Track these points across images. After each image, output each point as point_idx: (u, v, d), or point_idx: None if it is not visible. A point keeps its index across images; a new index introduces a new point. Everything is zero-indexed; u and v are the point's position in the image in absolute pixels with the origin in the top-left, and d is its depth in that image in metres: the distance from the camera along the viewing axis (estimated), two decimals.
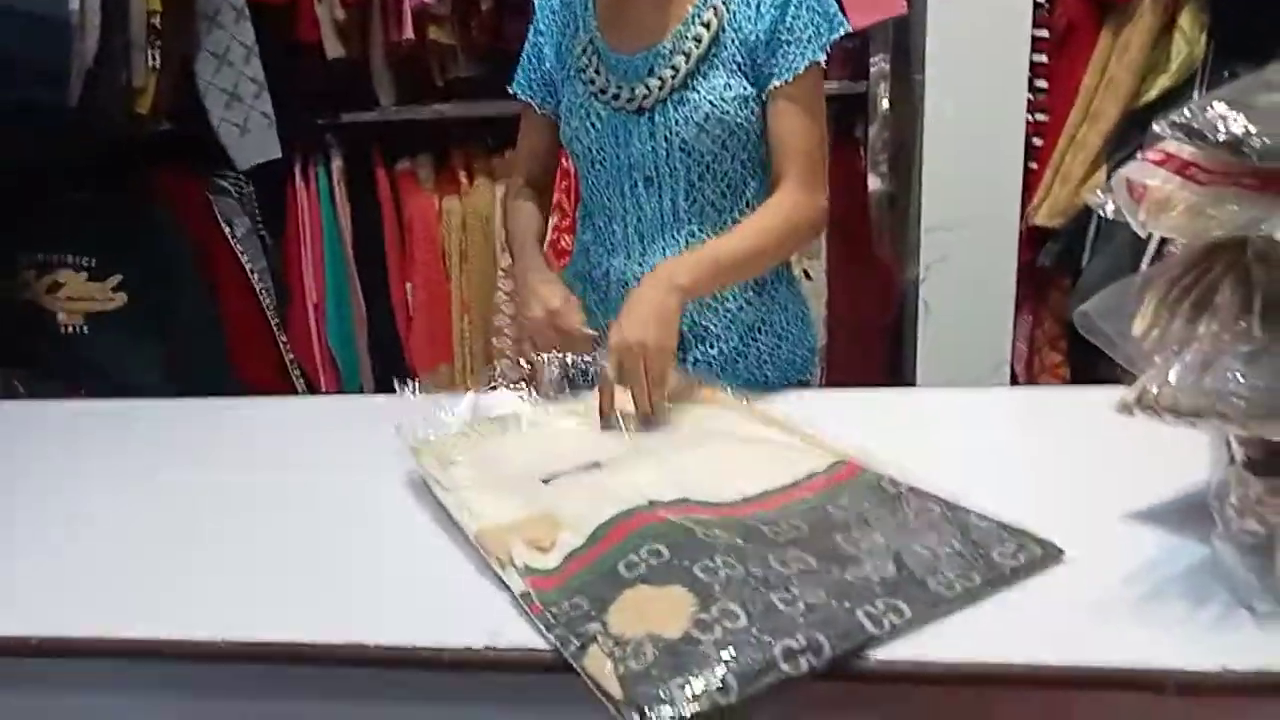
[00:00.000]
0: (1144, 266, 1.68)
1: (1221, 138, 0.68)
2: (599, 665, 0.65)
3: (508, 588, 0.74)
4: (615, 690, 0.63)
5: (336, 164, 2.21)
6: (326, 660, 0.68)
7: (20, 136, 1.75)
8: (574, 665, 0.66)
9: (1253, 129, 0.67)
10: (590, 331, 1.16)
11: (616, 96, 1.20)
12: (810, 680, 0.64)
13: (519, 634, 0.68)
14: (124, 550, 0.86)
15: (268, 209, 2.23)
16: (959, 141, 1.90)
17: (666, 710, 0.61)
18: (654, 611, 0.69)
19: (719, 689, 0.62)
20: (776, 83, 1.16)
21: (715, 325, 1.25)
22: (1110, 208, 0.77)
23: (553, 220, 2.00)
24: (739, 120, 1.18)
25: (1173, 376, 0.71)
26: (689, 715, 0.61)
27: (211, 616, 0.72)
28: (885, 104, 2.05)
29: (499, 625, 0.69)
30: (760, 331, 1.27)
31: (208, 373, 2.08)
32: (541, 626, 0.69)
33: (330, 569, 0.81)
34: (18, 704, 0.78)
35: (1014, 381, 2.04)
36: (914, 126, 1.96)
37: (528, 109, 1.32)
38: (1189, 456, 0.82)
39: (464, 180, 2.25)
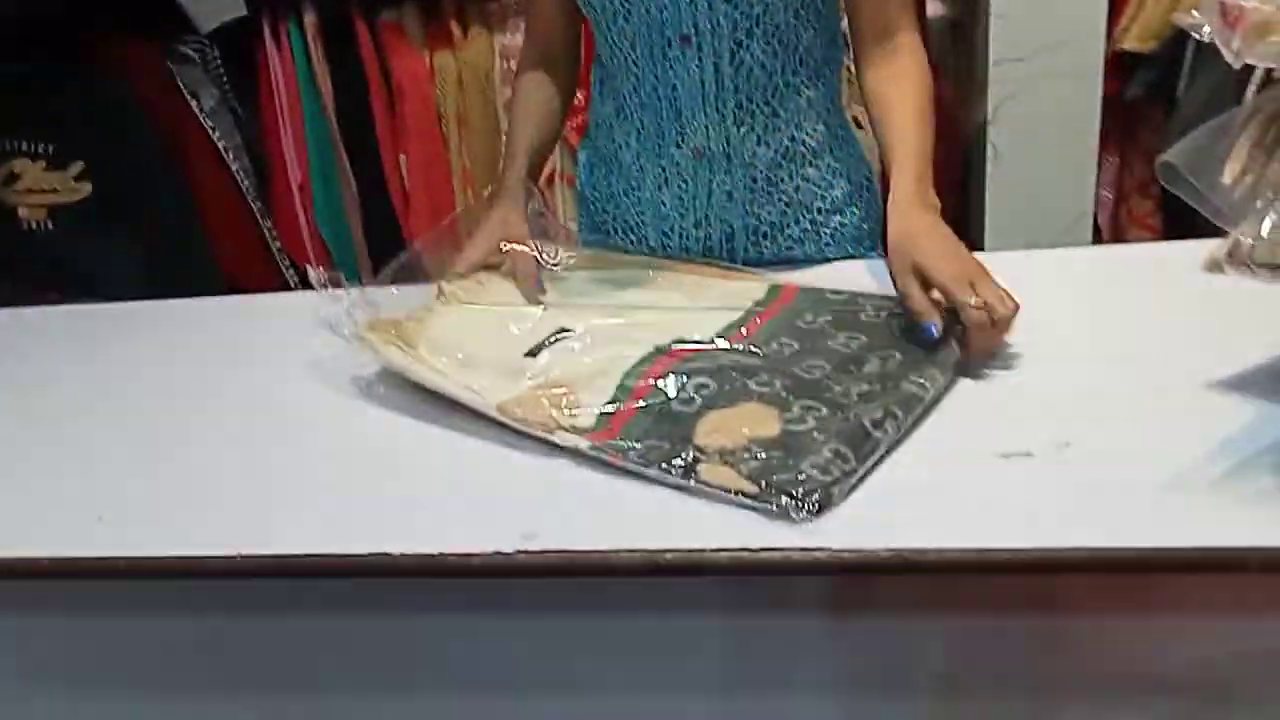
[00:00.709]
0: (1248, 98, 1.64)
1: None
2: (719, 474, 0.79)
3: (530, 483, 0.79)
4: (749, 487, 0.77)
5: (311, 20, 2.17)
6: (352, 572, 0.73)
7: None
8: (692, 483, 0.78)
9: None
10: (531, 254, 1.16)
11: None
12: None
13: (553, 536, 0.73)
14: (120, 464, 0.91)
15: (237, 77, 2.22)
16: None
17: (813, 485, 0.75)
18: (741, 425, 0.84)
19: (839, 460, 0.78)
20: None
21: (770, 213, 1.22)
22: (1207, 30, 0.77)
23: None
24: None
25: (1266, 227, 0.72)
26: (830, 484, 0.75)
27: (222, 531, 0.77)
28: None
29: (531, 528, 0.74)
30: (822, 213, 1.23)
31: (188, 266, 2.12)
32: (637, 466, 0.80)
33: (335, 477, 0.85)
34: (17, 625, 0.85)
35: (1098, 236, 2.02)
36: None
37: None
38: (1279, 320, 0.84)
39: (457, 32, 2.21)
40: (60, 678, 0.89)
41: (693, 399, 0.89)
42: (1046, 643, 0.79)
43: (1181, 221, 2.03)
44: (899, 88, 1.13)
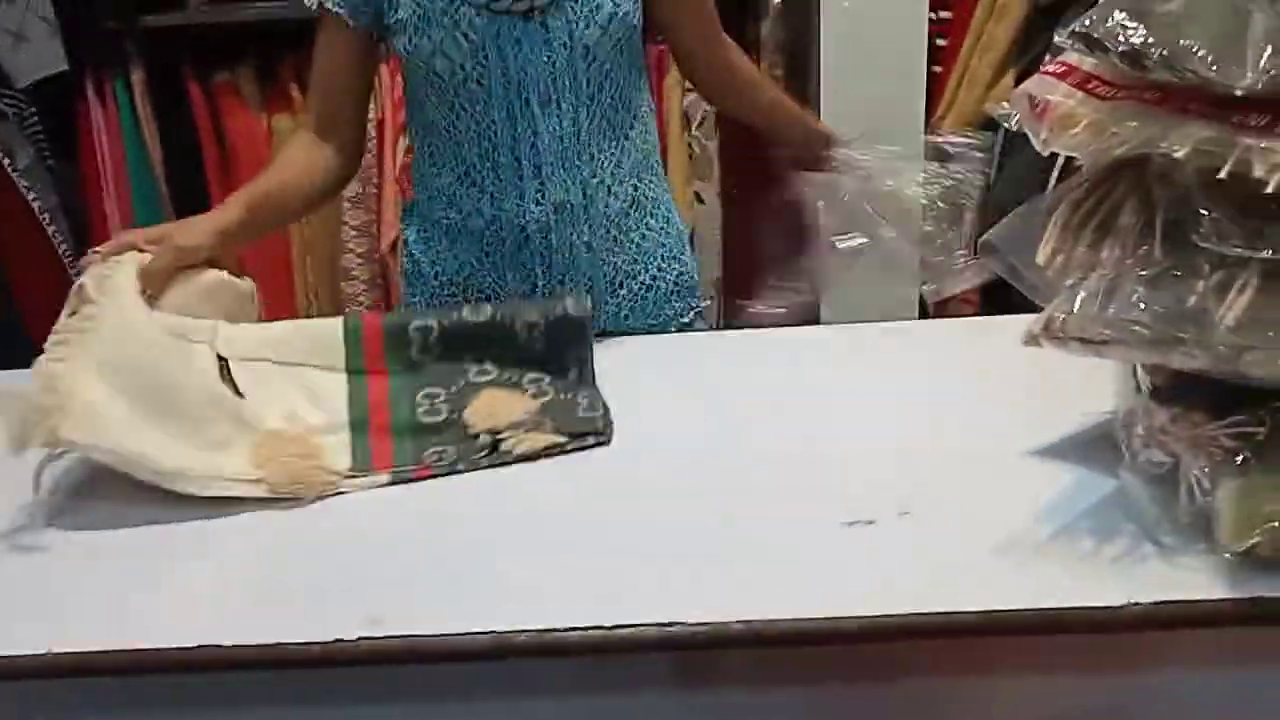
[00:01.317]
0: (1050, 186, 1.77)
1: (1121, 48, 0.73)
2: (529, 442, 0.93)
3: (373, 565, 0.76)
4: (560, 439, 0.94)
5: (138, 76, 2.09)
6: (180, 667, 0.68)
7: None
8: (510, 459, 0.91)
9: (1151, 39, 0.72)
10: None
11: None
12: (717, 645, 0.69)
13: (399, 620, 0.70)
14: None
15: (55, 134, 2.10)
16: (858, 43, 1.95)
17: (599, 418, 0.97)
18: (500, 409, 0.97)
19: (590, 400, 1.00)
20: None
21: (623, 261, 1.24)
22: (1016, 119, 0.83)
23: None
24: (634, 19, 1.15)
25: (1077, 304, 0.77)
26: (605, 413, 0.98)
27: (37, 626, 0.71)
28: None
29: (376, 612, 0.71)
30: (665, 260, 1.28)
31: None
32: (447, 470, 0.90)
33: (160, 564, 0.80)
34: None
35: (923, 313, 2.13)
36: (809, 25, 2.00)
37: (328, 21, 1.14)
38: (1098, 389, 0.89)
39: (296, 94, 2.16)
40: None
41: (436, 408, 0.98)
42: (899, 706, 0.81)
43: (999, 299, 2.16)
44: (745, 65, 1.34)
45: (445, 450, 0.94)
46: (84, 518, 0.86)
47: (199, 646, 0.68)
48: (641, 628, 0.70)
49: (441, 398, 0.99)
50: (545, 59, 1.12)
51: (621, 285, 1.26)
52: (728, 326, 2.07)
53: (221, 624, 0.70)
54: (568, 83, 1.14)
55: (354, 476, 0.90)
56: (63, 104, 2.08)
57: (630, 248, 1.25)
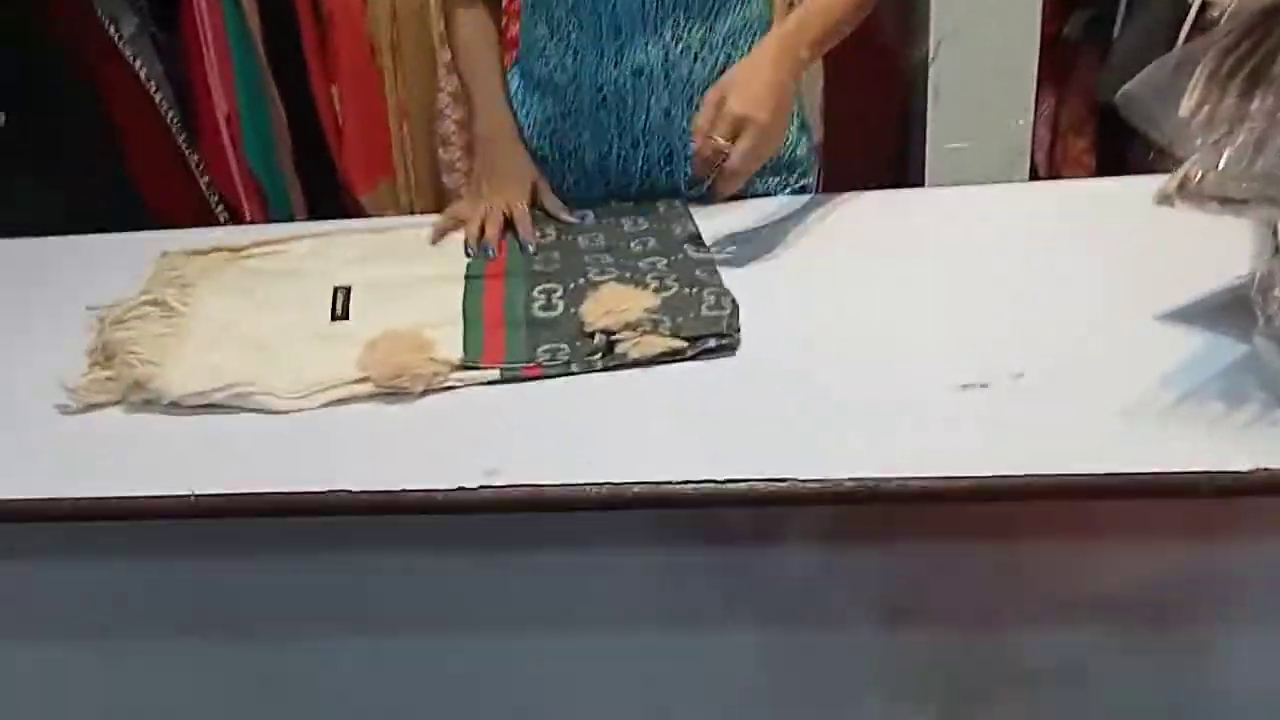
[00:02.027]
0: (1182, 37, 1.66)
1: None
2: (646, 345, 0.86)
3: (491, 422, 0.78)
4: (679, 344, 0.86)
5: None
6: (312, 510, 0.72)
7: None
8: (625, 362, 0.85)
9: None
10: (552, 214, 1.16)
11: None
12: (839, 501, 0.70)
13: (517, 471, 0.72)
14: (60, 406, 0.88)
15: (157, 3, 2.11)
16: None
17: (720, 319, 0.88)
18: (619, 305, 0.91)
19: (716, 295, 0.93)
20: None
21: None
22: None
23: None
24: None
25: (1222, 160, 0.73)
26: (731, 314, 0.90)
27: (177, 471, 0.75)
28: None
29: (494, 464, 0.73)
30: None
31: (112, 202, 2.03)
32: (559, 371, 0.85)
33: (297, 417, 0.83)
34: None
35: (1034, 174, 2.05)
36: None
37: None
38: (1227, 252, 0.85)
39: None
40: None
41: (552, 304, 0.96)
42: (999, 570, 0.81)
43: (1114, 160, 2.06)
44: None
45: (559, 349, 0.89)
46: None
47: (329, 491, 0.71)
48: (752, 482, 0.71)
49: (558, 293, 0.98)
50: None
51: (689, 161, 1.23)
52: (828, 191, 2.02)
53: (349, 472, 0.73)
54: None
55: (464, 369, 0.86)
56: None
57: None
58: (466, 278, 1.03)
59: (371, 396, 0.84)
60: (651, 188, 1.26)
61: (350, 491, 0.71)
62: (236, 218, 2.22)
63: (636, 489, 0.70)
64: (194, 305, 0.99)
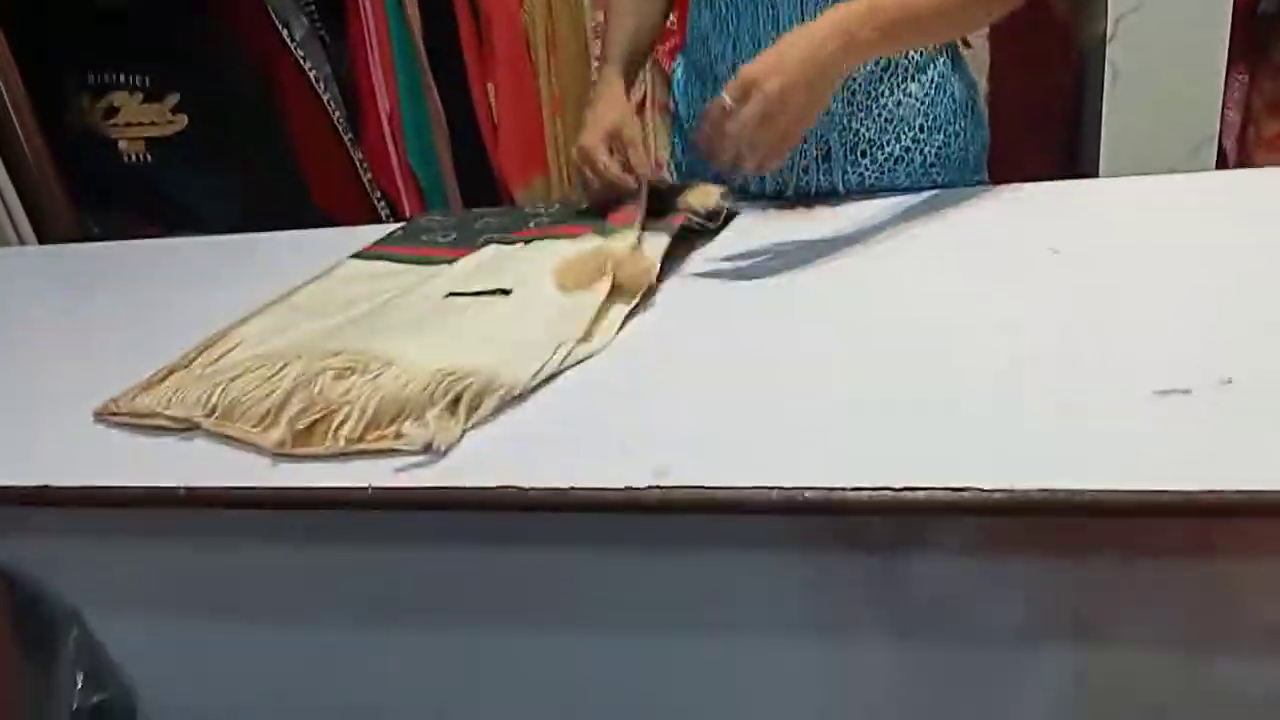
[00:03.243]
0: None
1: None
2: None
3: (660, 419, 0.78)
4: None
5: None
6: (482, 505, 0.73)
7: None
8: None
9: None
10: (638, 174, 1.16)
11: None
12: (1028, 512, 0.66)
13: (686, 471, 0.71)
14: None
15: (325, 5, 2.21)
16: None
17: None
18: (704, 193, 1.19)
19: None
20: None
21: (869, 129, 1.19)
22: None
23: None
24: None
25: None
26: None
27: (351, 464, 0.77)
28: None
29: (663, 463, 0.72)
30: (925, 130, 1.20)
31: (282, 198, 2.14)
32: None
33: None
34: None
35: (1223, 161, 1.92)
36: None
37: None
38: None
39: None
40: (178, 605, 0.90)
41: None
42: (1200, 590, 0.75)
43: None
44: None
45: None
46: None
47: (499, 487, 0.72)
48: (933, 491, 0.68)
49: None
50: None
51: (864, 154, 1.20)
52: (995, 181, 1.95)
53: (519, 467, 0.74)
54: None
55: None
56: None
57: (879, 114, 1.19)
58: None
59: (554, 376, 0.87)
60: (807, 185, 1.24)
61: (519, 488, 0.72)
62: (396, 213, 2.30)
63: (809, 494, 0.68)
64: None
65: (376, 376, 0.84)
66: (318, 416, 0.79)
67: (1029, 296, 0.92)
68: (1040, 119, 2.07)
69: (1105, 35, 1.83)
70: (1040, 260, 0.99)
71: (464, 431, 0.79)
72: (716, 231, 1.18)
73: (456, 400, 0.80)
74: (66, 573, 0.89)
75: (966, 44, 1.99)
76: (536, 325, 0.93)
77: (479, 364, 0.84)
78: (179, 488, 0.77)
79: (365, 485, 0.74)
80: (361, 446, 0.77)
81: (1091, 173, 1.92)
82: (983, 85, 2.02)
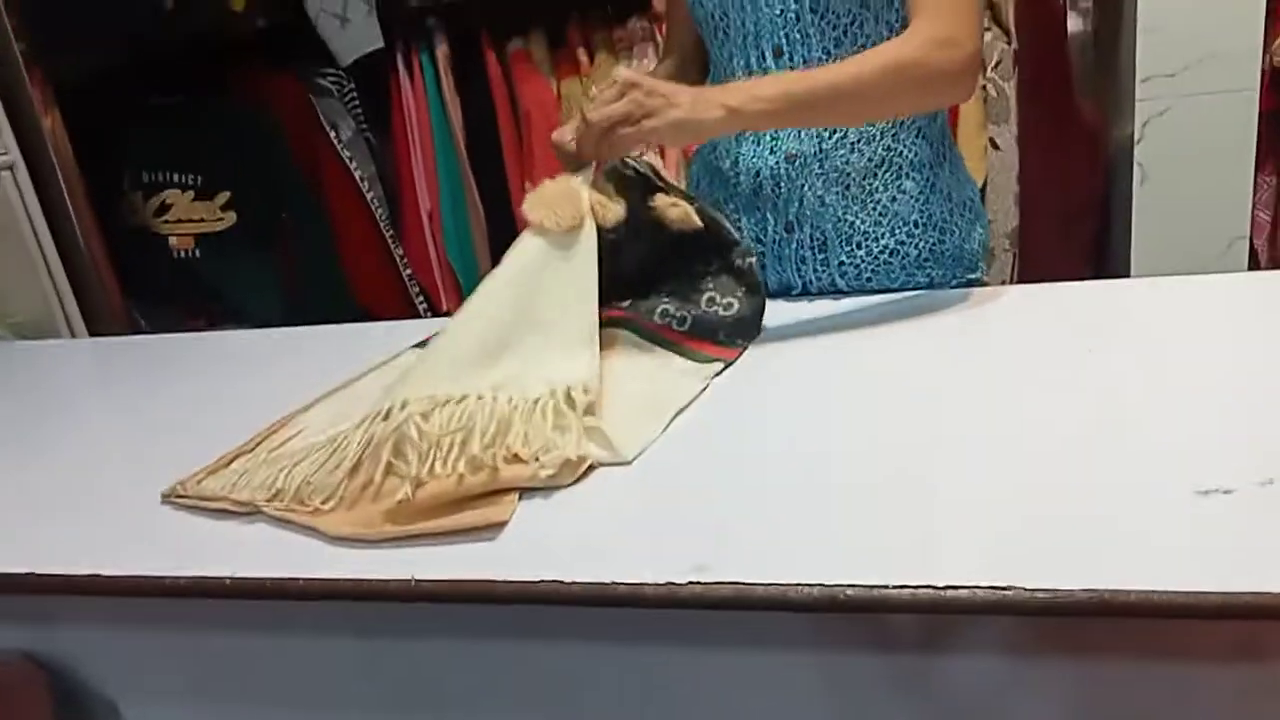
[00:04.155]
0: None
1: None
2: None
3: (699, 514, 0.79)
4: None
5: (442, 50, 2.24)
6: (524, 599, 0.73)
7: (111, 41, 1.86)
8: None
9: None
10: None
11: None
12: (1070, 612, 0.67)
13: (725, 568, 0.72)
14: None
15: (371, 108, 2.29)
16: None
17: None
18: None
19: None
20: None
21: (863, 221, 1.22)
22: None
23: None
24: None
25: None
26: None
27: (393, 555, 0.79)
28: None
29: (703, 559, 0.73)
30: (920, 226, 1.23)
31: (324, 294, 2.19)
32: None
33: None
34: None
35: (1254, 261, 1.93)
36: None
37: None
38: None
39: (584, 59, 2.24)
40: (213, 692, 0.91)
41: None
42: (1247, 691, 0.74)
43: None
44: (870, 49, 1.08)
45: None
46: None
47: (540, 581, 0.73)
48: (974, 589, 0.68)
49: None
50: (779, 11, 1.16)
51: (859, 245, 1.23)
52: (1023, 280, 1.97)
53: (559, 562, 0.75)
54: (799, 36, 1.16)
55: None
56: (376, 80, 2.27)
57: (874, 208, 1.22)
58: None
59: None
60: (805, 277, 1.26)
61: (561, 582, 0.72)
62: (435, 308, 2.35)
63: (850, 591, 0.69)
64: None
65: (466, 401, 0.87)
66: (416, 468, 0.82)
67: (1065, 395, 0.93)
68: (1071, 220, 2.10)
69: (1133, 137, 1.87)
70: (1076, 359, 1.00)
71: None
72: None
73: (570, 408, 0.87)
74: (105, 663, 0.90)
75: (995, 145, 2.04)
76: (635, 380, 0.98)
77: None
78: (225, 578, 0.79)
79: (409, 578, 0.75)
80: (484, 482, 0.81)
81: (1123, 272, 1.93)
82: (1013, 186, 2.05)
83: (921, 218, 1.23)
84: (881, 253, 1.23)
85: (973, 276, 1.29)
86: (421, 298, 2.36)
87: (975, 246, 1.29)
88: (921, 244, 1.24)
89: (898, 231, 1.23)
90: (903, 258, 1.24)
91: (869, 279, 1.24)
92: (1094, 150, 2.04)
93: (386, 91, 2.28)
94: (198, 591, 0.79)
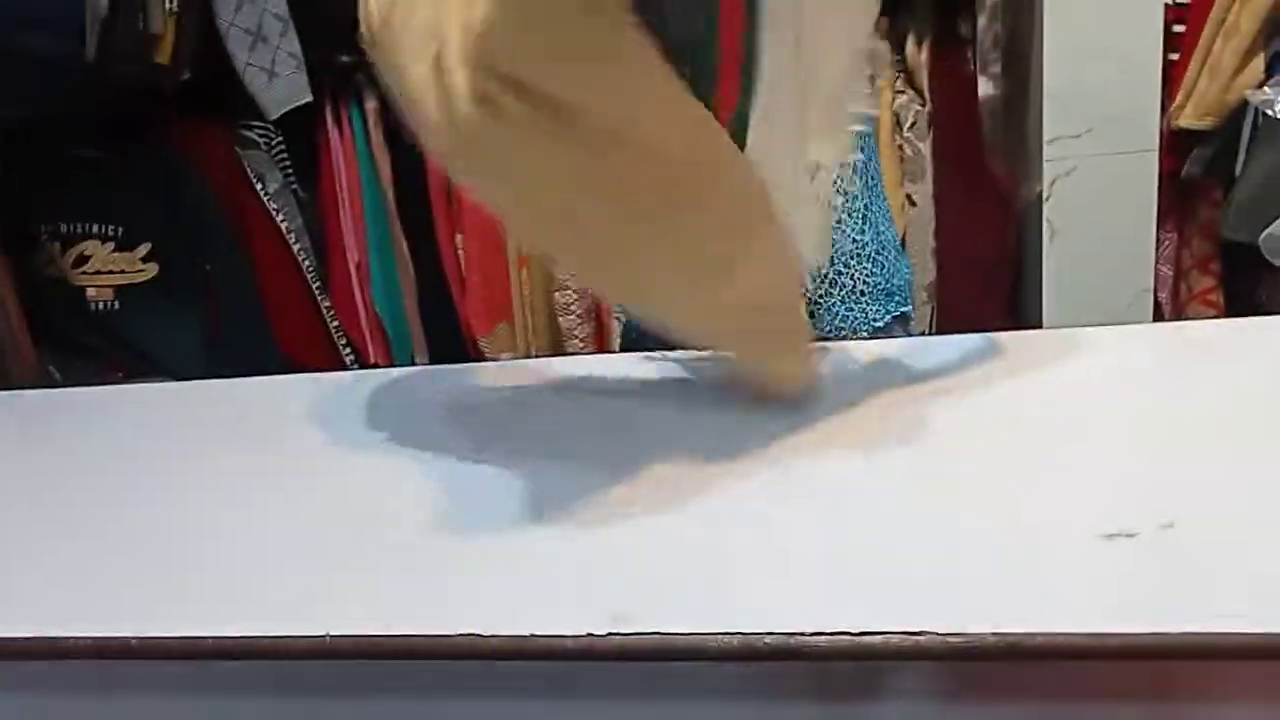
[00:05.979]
0: None
1: None
2: None
3: (619, 563, 0.78)
4: None
5: (371, 104, 2.23)
6: (439, 654, 0.72)
7: (32, 93, 1.82)
8: None
9: None
10: None
11: None
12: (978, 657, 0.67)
13: (646, 619, 0.71)
14: (191, 541, 0.91)
15: (299, 161, 2.28)
16: (1085, 31, 1.86)
17: None
18: None
19: None
20: None
21: None
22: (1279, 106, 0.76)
23: None
24: None
25: None
26: None
27: (307, 611, 0.77)
28: None
29: (623, 609, 0.72)
30: (856, 258, 1.27)
31: (249, 346, 2.15)
32: None
33: (416, 559, 0.84)
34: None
35: (1158, 313, 2.00)
36: (1030, 17, 1.92)
37: None
38: None
39: None
40: None
41: None
42: None
43: (1242, 298, 2.00)
44: None
45: None
46: None
47: (458, 635, 0.72)
48: (888, 635, 0.68)
49: None
50: None
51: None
52: (941, 332, 2.01)
53: (473, 613, 0.73)
54: None
55: None
56: (305, 133, 2.25)
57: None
58: None
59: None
60: None
61: (480, 635, 0.71)
62: (361, 358, 2.32)
63: (768, 639, 0.69)
64: None
65: None
66: None
67: (971, 444, 0.94)
68: (986, 273, 2.16)
69: (1043, 195, 1.94)
70: (983, 405, 1.02)
71: None
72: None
73: None
74: None
75: (912, 202, 2.09)
76: None
77: None
78: (130, 638, 0.76)
79: (324, 634, 0.73)
80: None
81: (1036, 324, 1.99)
82: (930, 241, 2.10)
83: (857, 253, 1.26)
84: (821, 283, 1.26)
85: (905, 310, 1.32)
86: (349, 349, 2.33)
87: (901, 282, 1.33)
88: (859, 278, 1.26)
89: (835, 262, 1.25)
90: (844, 290, 1.26)
91: (811, 309, 1.26)
92: (1006, 207, 2.11)
93: (315, 144, 2.26)
94: (97, 653, 0.76)
